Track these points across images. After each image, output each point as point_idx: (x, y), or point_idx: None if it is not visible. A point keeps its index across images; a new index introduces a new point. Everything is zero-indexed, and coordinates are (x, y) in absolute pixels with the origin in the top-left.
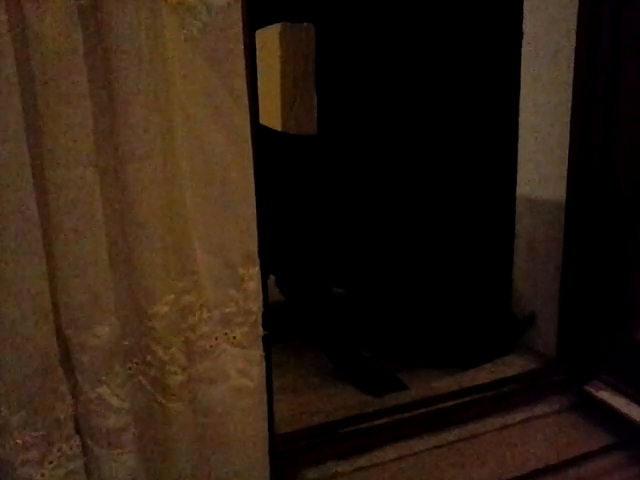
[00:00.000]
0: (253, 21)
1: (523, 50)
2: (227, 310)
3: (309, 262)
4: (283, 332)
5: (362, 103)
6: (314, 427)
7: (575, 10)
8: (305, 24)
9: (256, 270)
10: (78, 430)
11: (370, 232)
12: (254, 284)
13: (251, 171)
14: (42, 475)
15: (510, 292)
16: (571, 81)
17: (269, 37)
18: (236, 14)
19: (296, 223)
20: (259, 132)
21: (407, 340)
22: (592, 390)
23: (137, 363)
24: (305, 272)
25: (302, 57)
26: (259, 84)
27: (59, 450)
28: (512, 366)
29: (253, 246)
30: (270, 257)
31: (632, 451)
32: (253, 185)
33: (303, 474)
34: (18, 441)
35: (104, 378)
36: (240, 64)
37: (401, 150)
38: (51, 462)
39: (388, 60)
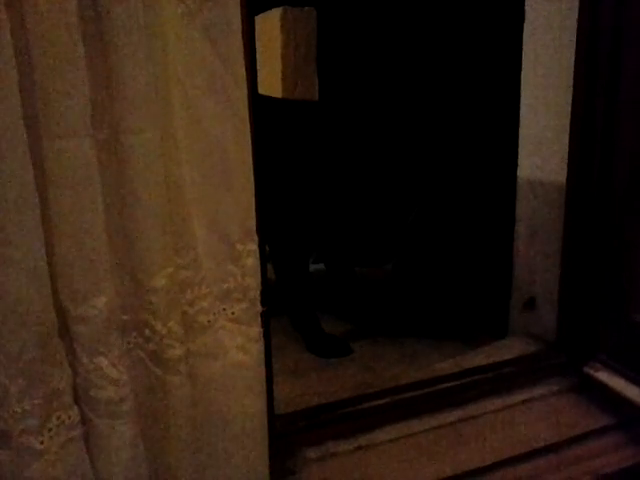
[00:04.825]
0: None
1: (525, 32)
2: (225, 286)
3: (299, 230)
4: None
5: (365, 79)
6: (314, 407)
7: None
8: (306, 8)
9: (255, 246)
10: (77, 400)
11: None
12: (253, 260)
13: (249, 146)
14: (41, 443)
15: (510, 275)
16: (573, 63)
17: (270, 21)
18: None
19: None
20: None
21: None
22: (591, 372)
23: (135, 337)
24: (294, 239)
25: (303, 41)
26: (260, 68)
27: (58, 419)
28: (512, 348)
29: (251, 222)
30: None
31: (630, 431)
32: (251, 160)
33: (303, 454)
34: (17, 409)
35: (102, 349)
36: (238, 39)
37: (402, 134)
38: (50, 430)
39: (392, 41)
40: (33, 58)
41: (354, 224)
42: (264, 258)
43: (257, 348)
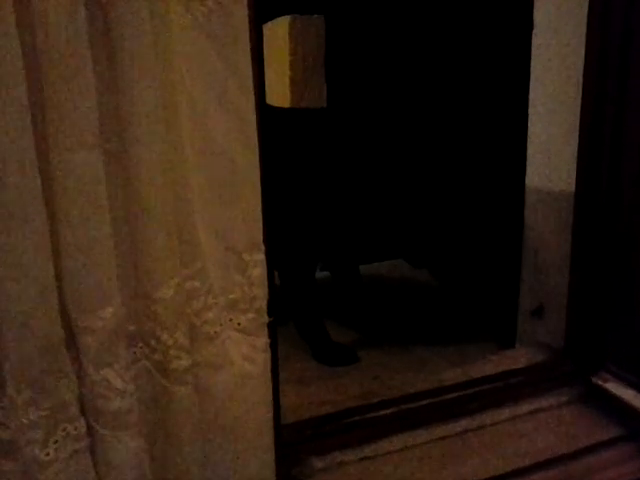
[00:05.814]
0: (260, 8)
1: (533, 40)
2: (232, 296)
3: (306, 237)
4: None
5: (373, 87)
6: (320, 417)
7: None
8: (315, 16)
9: (261, 256)
10: (83, 412)
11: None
12: (259, 270)
13: (256, 157)
14: (47, 454)
15: (518, 284)
16: (582, 72)
17: (278, 30)
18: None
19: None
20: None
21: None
22: (599, 382)
23: (142, 347)
24: (301, 246)
25: (312, 50)
26: (268, 77)
27: (64, 430)
28: (520, 358)
29: (258, 232)
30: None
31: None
32: (258, 171)
33: (309, 463)
34: (23, 420)
35: (108, 360)
36: (245, 50)
37: (410, 140)
38: (56, 442)
39: (401, 48)
40: (42, 70)
41: (359, 224)
42: (271, 268)
43: (264, 358)
